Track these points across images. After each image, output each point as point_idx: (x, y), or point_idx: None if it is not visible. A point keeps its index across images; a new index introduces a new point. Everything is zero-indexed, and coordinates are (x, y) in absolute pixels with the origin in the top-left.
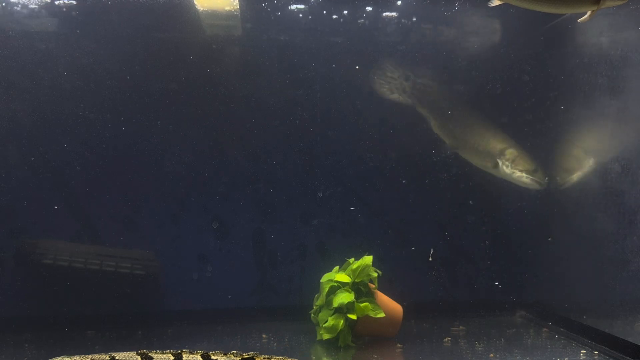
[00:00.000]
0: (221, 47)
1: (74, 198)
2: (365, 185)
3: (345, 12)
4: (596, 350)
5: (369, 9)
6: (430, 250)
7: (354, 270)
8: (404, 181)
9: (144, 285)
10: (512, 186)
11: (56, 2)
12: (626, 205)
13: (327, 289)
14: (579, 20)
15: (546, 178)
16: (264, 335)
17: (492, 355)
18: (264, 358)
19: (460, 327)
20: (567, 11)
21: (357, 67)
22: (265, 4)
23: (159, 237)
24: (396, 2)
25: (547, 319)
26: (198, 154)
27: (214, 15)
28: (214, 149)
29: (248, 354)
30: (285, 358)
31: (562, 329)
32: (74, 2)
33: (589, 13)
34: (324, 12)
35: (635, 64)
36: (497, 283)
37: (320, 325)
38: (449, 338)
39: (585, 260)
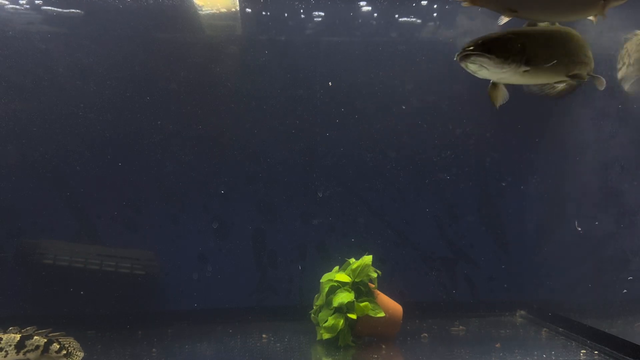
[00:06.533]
0: (221, 47)
1: (74, 198)
2: (365, 185)
3: (345, 12)
4: (596, 350)
5: (368, 9)
6: (576, 223)
7: (353, 270)
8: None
9: (144, 285)
10: (511, 186)
11: (56, 3)
12: (626, 205)
13: (327, 289)
14: (592, 19)
15: None
16: (264, 335)
17: (498, 344)
18: (42, 333)
19: (460, 327)
20: (576, 18)
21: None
22: (265, 4)
23: (159, 237)
24: (395, 2)
25: (547, 319)
26: (198, 154)
27: (214, 15)
28: (214, 149)
29: (26, 330)
30: (62, 334)
31: (562, 329)
32: (75, 3)
33: (594, 17)
34: (325, 12)
35: None
36: (497, 283)
37: (320, 325)
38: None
39: (585, 260)
